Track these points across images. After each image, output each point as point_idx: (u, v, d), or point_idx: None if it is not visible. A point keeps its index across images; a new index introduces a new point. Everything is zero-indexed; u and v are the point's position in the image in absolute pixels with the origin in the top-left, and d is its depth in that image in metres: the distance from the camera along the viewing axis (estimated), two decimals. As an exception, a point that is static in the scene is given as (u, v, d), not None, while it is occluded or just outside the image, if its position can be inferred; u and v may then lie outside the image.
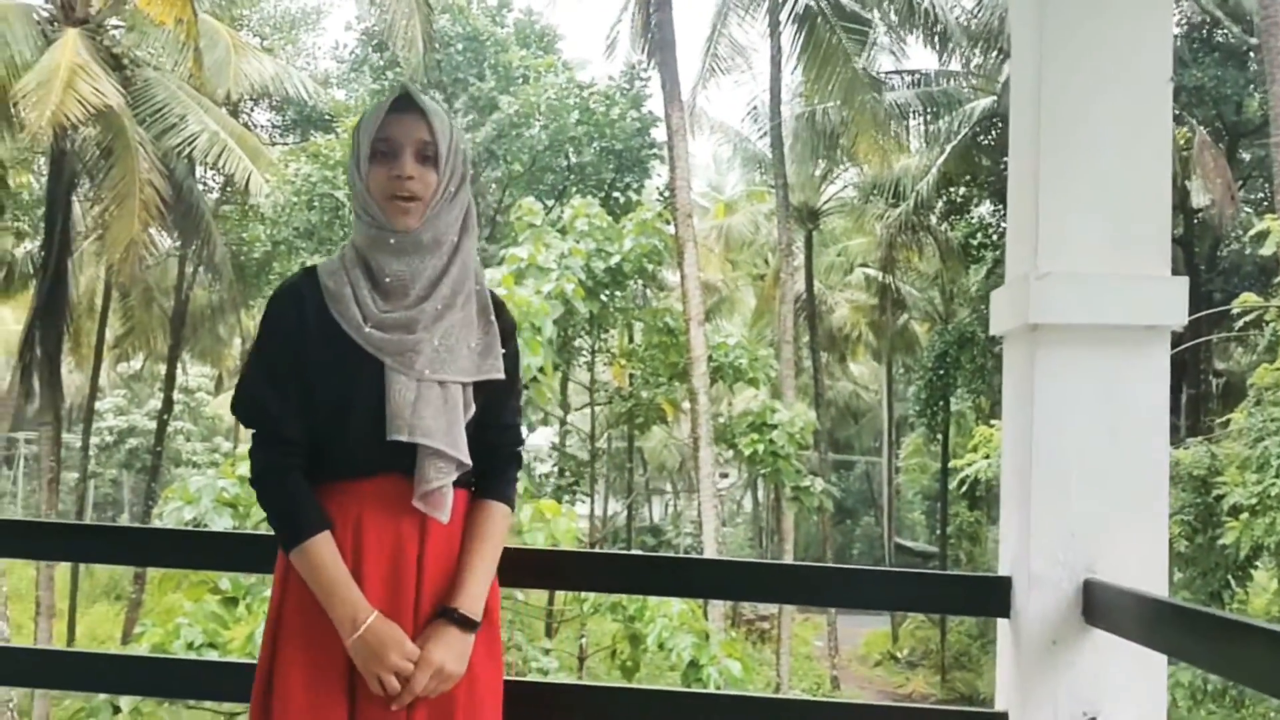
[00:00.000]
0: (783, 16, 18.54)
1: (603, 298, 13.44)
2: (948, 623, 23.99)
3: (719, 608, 14.46)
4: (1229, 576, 10.83)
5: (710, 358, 14.66)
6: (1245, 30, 16.96)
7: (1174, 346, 1.98)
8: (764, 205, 27.10)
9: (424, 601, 1.78)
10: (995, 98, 19.52)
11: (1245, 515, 9.63)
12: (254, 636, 6.87)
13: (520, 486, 8.80)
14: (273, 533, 1.83)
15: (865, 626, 27.65)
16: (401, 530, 1.79)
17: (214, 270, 18.75)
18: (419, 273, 1.81)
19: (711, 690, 8.05)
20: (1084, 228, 1.95)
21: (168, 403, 22.50)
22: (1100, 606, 1.87)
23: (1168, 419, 1.97)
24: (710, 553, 13.90)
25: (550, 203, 19.20)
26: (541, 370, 9.94)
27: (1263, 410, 10.44)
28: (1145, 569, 1.91)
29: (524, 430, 2.06)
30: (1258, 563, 10.84)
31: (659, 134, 19.90)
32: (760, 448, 14.74)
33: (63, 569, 19.79)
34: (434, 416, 1.77)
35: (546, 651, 11.38)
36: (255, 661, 1.87)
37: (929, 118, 20.81)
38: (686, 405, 15.55)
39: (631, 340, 18.17)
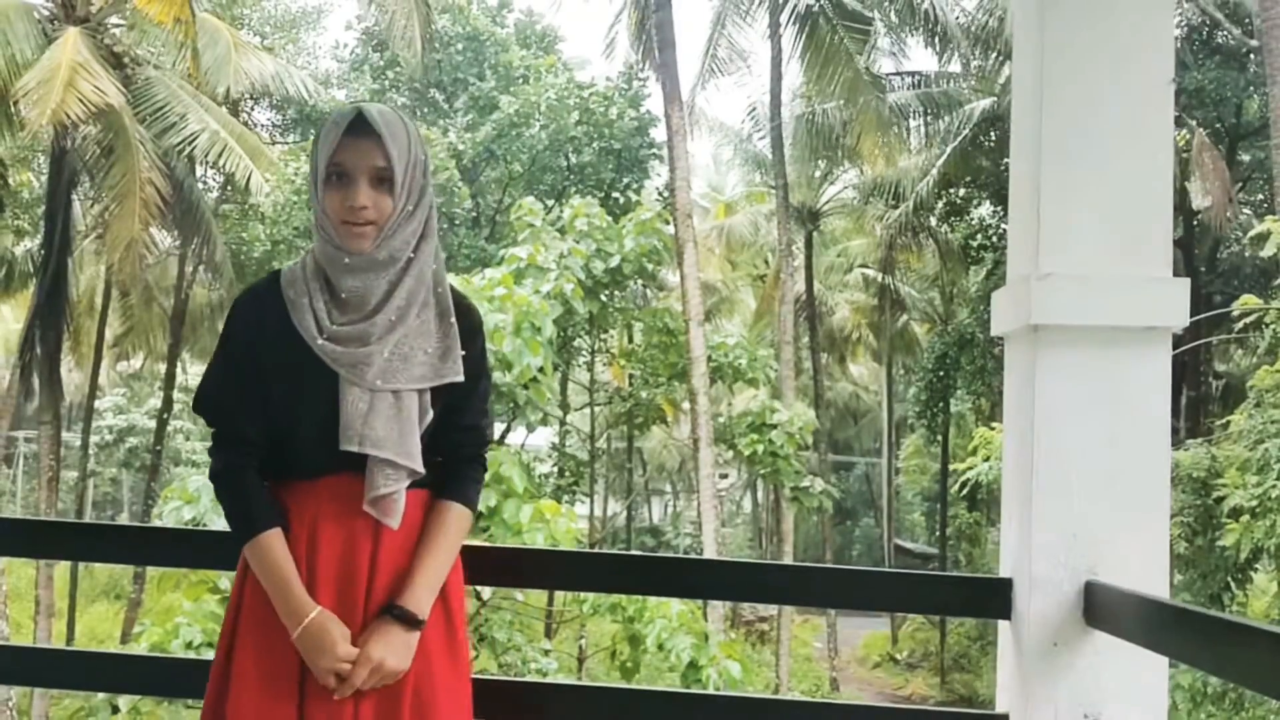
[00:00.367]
0: (783, 17, 18.53)
1: (602, 298, 13.44)
2: (947, 624, 23.99)
3: (718, 609, 14.45)
4: (1229, 579, 10.82)
5: (710, 358, 14.66)
6: (1245, 32, 16.96)
7: (1174, 348, 1.98)
8: (764, 206, 27.10)
9: (375, 600, 1.81)
10: (995, 99, 19.53)
11: (1245, 517, 9.62)
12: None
13: (520, 487, 8.83)
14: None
15: (865, 628, 27.65)
16: (355, 529, 1.82)
17: (214, 269, 18.74)
18: (375, 288, 1.83)
19: (710, 691, 8.05)
20: (1085, 229, 1.95)
21: (167, 402, 22.48)
22: (1101, 608, 1.87)
23: (1169, 421, 1.97)
24: (710, 553, 13.90)
25: (550, 203, 19.20)
26: (541, 370, 9.93)
27: (1263, 412, 10.43)
28: (1146, 571, 1.91)
29: (491, 430, 2.07)
30: (1258, 565, 10.84)
31: (659, 134, 19.91)
32: (760, 448, 14.74)
33: (62, 568, 19.78)
34: (385, 426, 1.80)
35: (546, 652, 11.38)
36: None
37: (929, 119, 20.82)
38: (686, 405, 15.57)
39: (631, 340, 18.17)
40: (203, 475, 8.28)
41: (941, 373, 22.28)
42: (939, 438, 24.86)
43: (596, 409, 17.86)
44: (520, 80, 21.36)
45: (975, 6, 19.49)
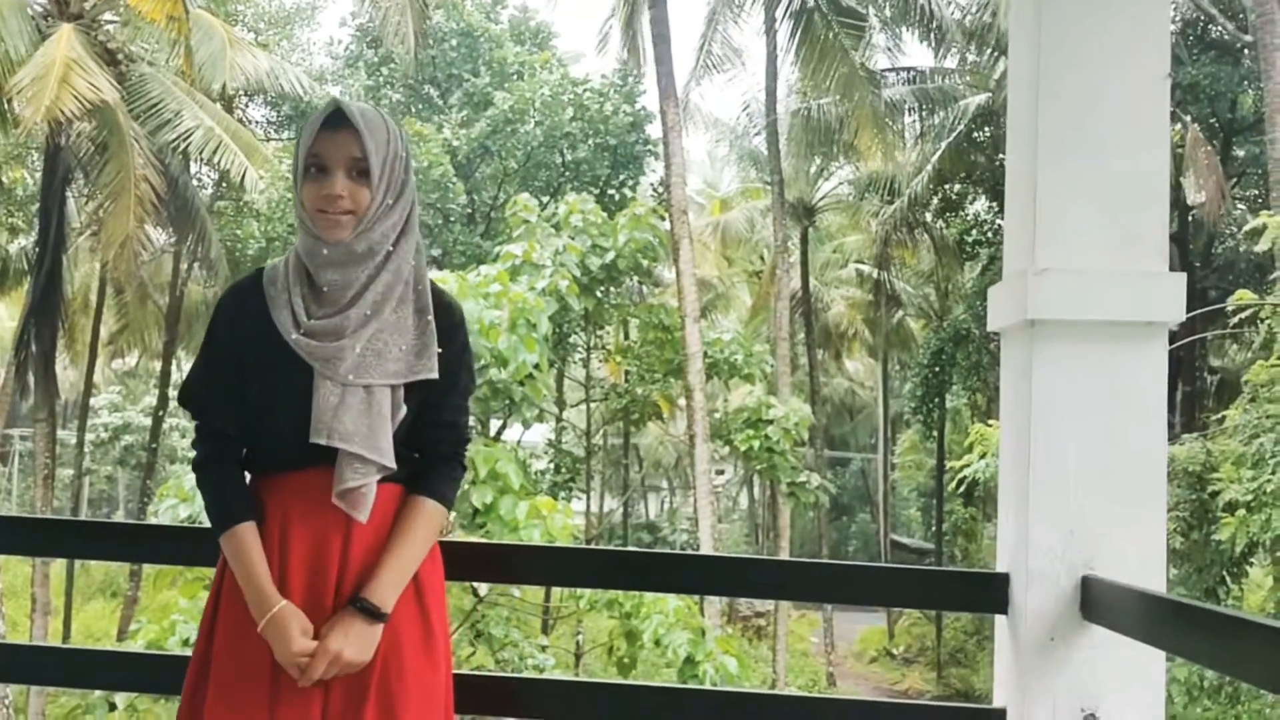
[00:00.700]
0: (778, 12, 18.53)
1: (598, 294, 13.45)
2: (943, 619, 24.04)
3: (715, 604, 14.48)
4: (1224, 573, 10.83)
5: (706, 354, 14.67)
6: (1239, 27, 16.97)
7: (1170, 344, 1.98)
8: (759, 202, 27.11)
9: (344, 593, 1.84)
10: (990, 94, 19.55)
11: (1241, 511, 9.63)
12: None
13: (516, 483, 8.81)
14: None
15: (861, 623, 27.70)
16: (326, 523, 1.85)
17: (209, 266, 18.70)
18: (354, 281, 1.85)
19: (707, 686, 8.06)
20: (1082, 223, 1.95)
21: (163, 399, 22.44)
22: (1098, 603, 1.88)
23: (1166, 415, 1.97)
24: (706, 549, 13.92)
25: (545, 199, 19.19)
26: (537, 367, 9.93)
27: (1258, 407, 10.44)
28: (1143, 565, 1.91)
29: (470, 429, 2.09)
30: (1253, 559, 10.85)
31: (654, 130, 19.90)
32: (756, 444, 14.75)
33: (58, 566, 19.76)
34: (354, 420, 1.82)
35: (543, 648, 11.38)
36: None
37: (924, 114, 20.84)
38: (682, 402, 15.57)
39: (627, 337, 18.18)
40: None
41: (937, 368, 22.31)
42: (935, 433, 24.90)
43: (592, 405, 17.88)
44: (515, 76, 21.33)
45: (970, 1, 19.48)
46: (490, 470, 8.81)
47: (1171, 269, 1.95)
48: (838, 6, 17.81)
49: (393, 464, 1.84)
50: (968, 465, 12.63)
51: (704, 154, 35.29)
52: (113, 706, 7.42)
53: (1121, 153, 1.96)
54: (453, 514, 9.09)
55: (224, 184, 20.99)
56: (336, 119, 1.83)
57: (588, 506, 22.05)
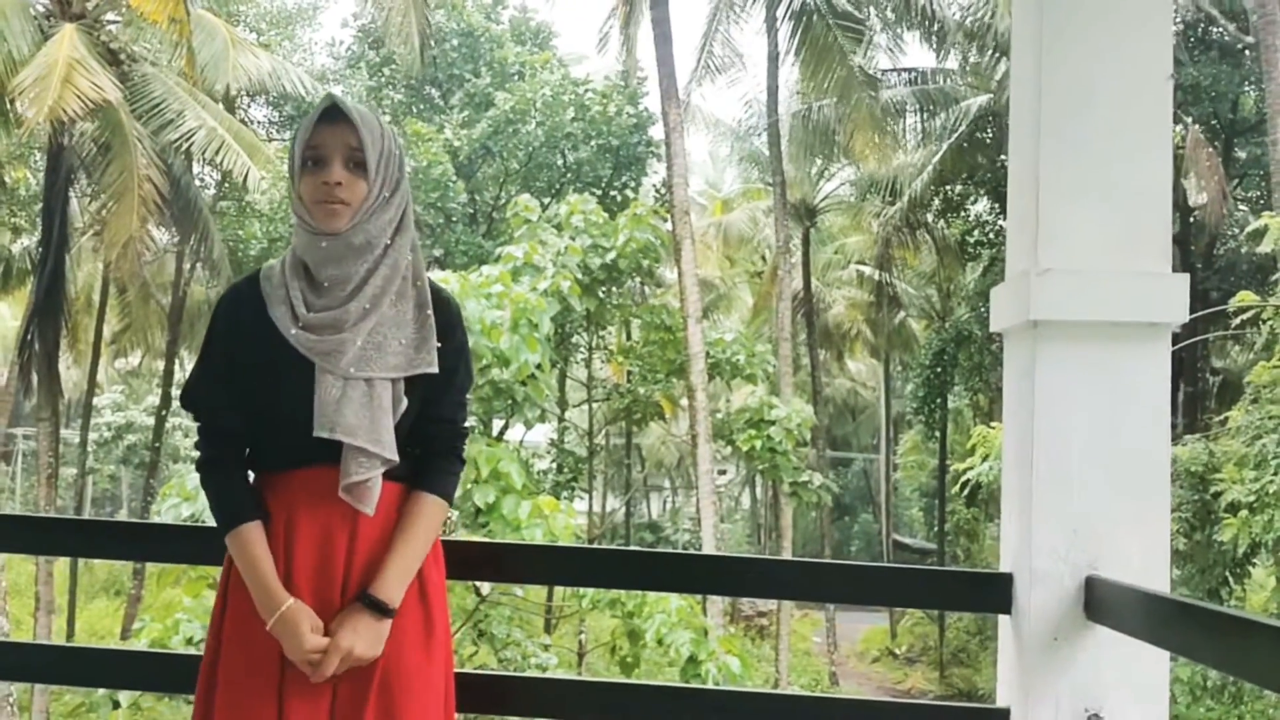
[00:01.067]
0: (779, 13, 18.52)
1: (600, 294, 13.44)
2: (946, 619, 24.02)
3: (718, 604, 14.48)
4: (1227, 574, 10.84)
5: (708, 354, 14.66)
6: (1240, 28, 16.97)
7: (1172, 344, 1.98)
8: (761, 202, 27.11)
9: (351, 588, 1.86)
10: (991, 95, 19.53)
11: (1243, 512, 9.63)
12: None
13: (518, 483, 8.82)
14: None
15: (864, 623, 27.68)
16: (332, 520, 1.86)
17: (211, 266, 18.71)
18: (352, 275, 1.87)
19: (710, 686, 8.06)
20: (1084, 224, 1.95)
21: (165, 399, 22.46)
22: (1102, 603, 1.88)
23: (1169, 416, 1.97)
24: (709, 549, 13.91)
25: (547, 200, 19.18)
26: (539, 367, 9.93)
27: (1260, 408, 10.44)
28: (1147, 565, 1.91)
29: (468, 423, 2.11)
30: (1255, 560, 10.85)
31: (656, 132, 19.89)
32: (758, 444, 14.74)
33: (62, 564, 19.77)
34: (356, 414, 1.83)
35: (546, 647, 11.39)
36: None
37: (925, 115, 20.83)
38: (684, 402, 15.55)
39: (629, 337, 18.16)
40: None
41: (939, 369, 22.30)
42: (937, 434, 24.89)
43: (595, 405, 17.86)
44: (515, 77, 21.33)
45: (971, 2, 19.47)
46: (492, 470, 8.82)
47: (1173, 270, 1.95)
48: (836, 9, 17.81)
49: (395, 457, 1.86)
50: (970, 468, 12.62)
51: (706, 155, 35.27)
52: (116, 704, 7.43)
53: (1124, 153, 1.96)
54: (455, 513, 9.10)
55: (226, 184, 21.00)
56: (332, 114, 1.87)
57: (590, 506, 22.05)
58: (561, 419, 17.86)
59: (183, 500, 7.65)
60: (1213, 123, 18.36)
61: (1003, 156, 19.29)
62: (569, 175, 20.37)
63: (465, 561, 2.08)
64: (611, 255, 12.91)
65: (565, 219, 12.97)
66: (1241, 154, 19.30)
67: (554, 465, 16.99)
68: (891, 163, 21.38)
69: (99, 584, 25.90)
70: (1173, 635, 1.71)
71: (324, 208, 1.85)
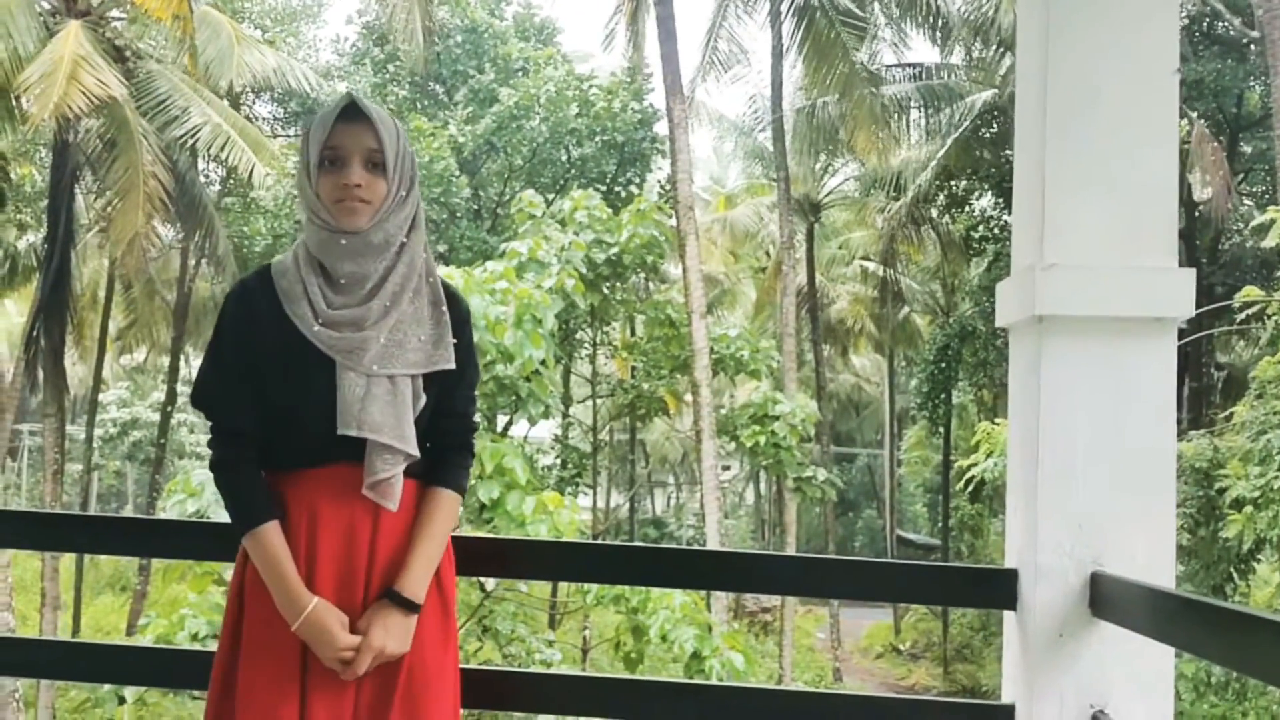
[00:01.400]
0: (783, 8, 18.51)
1: (604, 290, 13.44)
2: (949, 615, 24.02)
3: (721, 600, 14.48)
4: (1231, 570, 10.83)
5: (712, 350, 14.66)
6: (1245, 23, 16.92)
7: (1178, 340, 1.98)
8: (765, 198, 27.09)
9: (374, 585, 1.86)
10: (996, 90, 19.51)
11: (1248, 508, 9.62)
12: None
13: (523, 478, 8.82)
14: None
15: (868, 619, 27.69)
16: (355, 517, 1.86)
17: (216, 263, 18.74)
18: (371, 272, 1.87)
19: (713, 681, 8.07)
20: (1090, 219, 1.95)
21: (171, 395, 22.50)
22: (1107, 599, 1.87)
23: (1174, 411, 1.97)
24: (713, 545, 13.92)
25: (551, 196, 19.18)
26: (543, 363, 9.94)
27: (1265, 404, 10.43)
28: (1152, 561, 1.91)
29: (477, 418, 2.11)
30: (1260, 556, 10.84)
31: (660, 127, 19.88)
32: (762, 440, 14.75)
33: (67, 561, 19.81)
34: (381, 411, 1.84)
35: (550, 643, 11.40)
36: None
37: (930, 111, 20.80)
38: (688, 398, 15.56)
39: (634, 333, 18.16)
40: (206, 469, 8.30)
41: (943, 364, 22.28)
42: (941, 429, 24.88)
43: (599, 401, 17.86)
44: (519, 73, 21.32)
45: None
46: (497, 466, 8.82)
47: (1179, 265, 1.95)
48: (839, 6, 17.79)
49: (417, 453, 1.87)
50: (975, 464, 12.62)
51: (710, 150, 35.33)
52: (122, 700, 7.45)
53: (1130, 148, 1.95)
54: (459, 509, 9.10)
55: (231, 180, 21.02)
56: (351, 112, 1.87)
57: (594, 502, 22.05)
58: (566, 414, 17.87)
59: (188, 496, 7.66)
60: (1218, 117, 18.32)
61: (1008, 151, 19.27)
62: (573, 171, 20.36)
63: (470, 557, 2.08)
64: (615, 250, 12.92)
65: (569, 214, 12.97)
66: (1247, 149, 19.25)
67: (558, 461, 17.00)
68: (893, 159, 21.36)
69: (104, 580, 25.96)
70: (1178, 631, 1.71)
71: (345, 206, 1.85)
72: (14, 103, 14.00)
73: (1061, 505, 1.93)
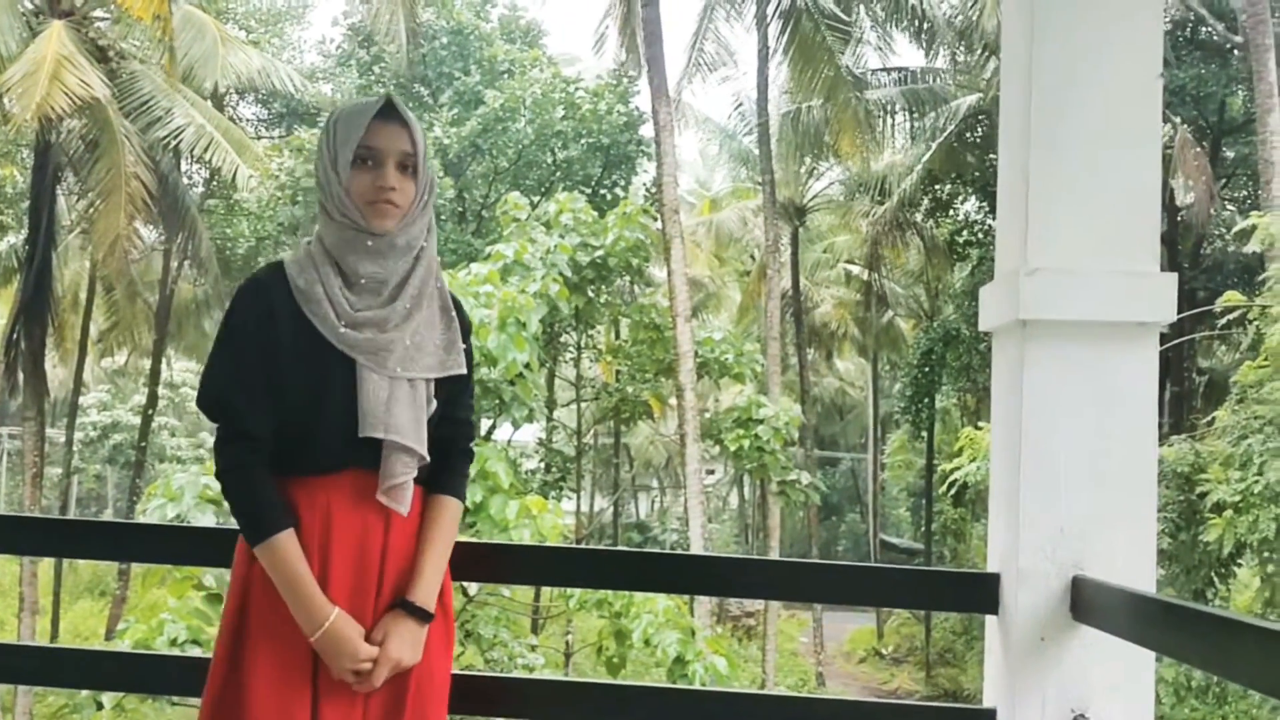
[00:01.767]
0: (769, 11, 18.54)
1: (589, 293, 13.43)
2: (933, 619, 24.08)
3: (705, 604, 14.47)
4: (1212, 574, 10.88)
5: (696, 353, 14.66)
6: (1229, 28, 17.03)
7: (1159, 344, 1.98)
8: (750, 202, 27.13)
9: (385, 592, 1.84)
10: (981, 94, 19.58)
11: (1228, 512, 9.66)
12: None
13: (506, 483, 8.80)
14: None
15: (851, 623, 27.73)
16: (367, 523, 1.84)
17: (199, 265, 18.66)
18: (391, 274, 1.86)
19: (696, 686, 8.06)
20: (1073, 223, 1.95)
21: (152, 398, 22.39)
22: (1089, 603, 1.88)
23: (1156, 416, 1.97)
24: (696, 549, 13.92)
25: (536, 198, 19.17)
26: (527, 366, 9.92)
27: (1246, 408, 10.48)
28: (1133, 566, 1.91)
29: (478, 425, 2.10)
30: (1240, 560, 10.89)
31: (646, 130, 19.90)
32: (746, 443, 14.76)
33: (46, 565, 19.69)
34: (404, 414, 1.82)
35: (533, 648, 11.38)
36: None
37: (914, 115, 20.88)
38: (673, 401, 15.55)
39: (618, 336, 18.15)
40: (187, 472, 8.25)
41: (927, 368, 22.35)
42: (924, 433, 24.95)
43: (583, 405, 17.85)
44: (505, 75, 21.31)
45: (961, 1, 19.52)
46: (480, 469, 8.79)
47: (1161, 270, 1.95)
48: (824, 10, 17.84)
49: (429, 457, 1.86)
50: (958, 468, 12.65)
51: (695, 153, 35.39)
52: (100, 705, 7.39)
53: (1113, 153, 1.96)
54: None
55: (215, 182, 20.95)
56: (388, 111, 1.86)
57: (578, 506, 22.02)
58: (550, 418, 17.83)
59: (168, 500, 7.61)
60: (1201, 123, 18.43)
61: (992, 156, 19.34)
62: (558, 173, 20.36)
63: (453, 562, 2.07)
64: (600, 253, 12.92)
65: (554, 217, 12.96)
66: (1229, 154, 19.37)
67: (542, 465, 16.98)
68: (878, 163, 21.43)
69: (83, 585, 25.78)
70: (1158, 635, 1.71)
71: (378, 208, 1.83)
72: (-4, 103, 13.94)
73: (1043, 509, 1.93)
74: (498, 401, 10.28)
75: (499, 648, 10.55)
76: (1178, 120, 16.50)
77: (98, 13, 15.99)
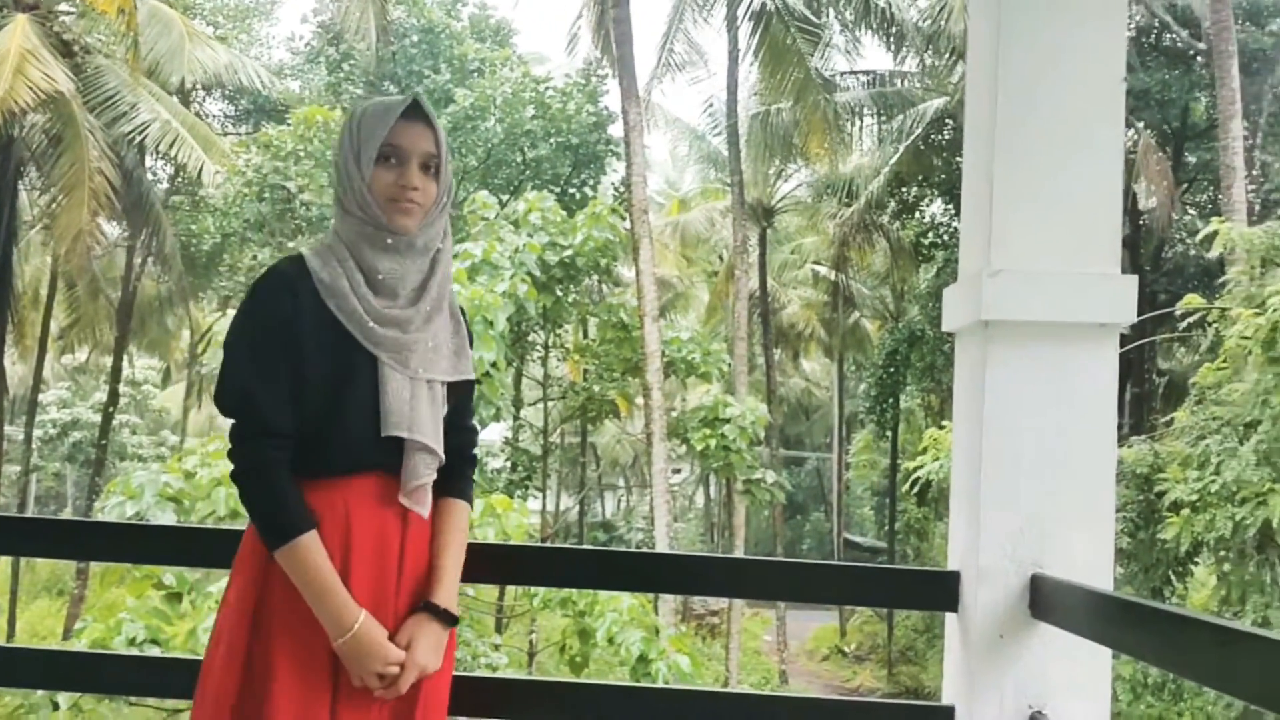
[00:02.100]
0: (739, 13, 18.59)
1: (557, 292, 13.41)
2: (894, 617, 24.22)
3: (669, 602, 14.50)
4: (1170, 572, 10.99)
5: (664, 353, 14.67)
6: (1193, 35, 17.24)
7: (1120, 346, 2.00)
8: (719, 202, 27.19)
9: (403, 595, 1.83)
10: (948, 98, 19.72)
11: (1186, 512, 9.77)
12: (197, 632, 6.78)
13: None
14: (217, 528, 1.82)
15: (814, 621, 27.86)
16: (386, 526, 1.82)
17: (163, 261, 18.48)
18: (407, 273, 1.84)
19: (659, 685, 8.07)
20: (1036, 226, 1.97)
21: (113, 395, 22.11)
22: (1047, 601, 1.89)
23: (1115, 417, 1.99)
24: (662, 547, 13.93)
25: (505, 197, 19.10)
26: (494, 365, 9.89)
27: (1204, 409, 10.61)
28: (1091, 564, 1.93)
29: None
30: (1198, 559, 11.01)
31: (616, 130, 19.88)
32: (713, 443, 14.78)
33: (2, 564, 19.45)
34: (425, 414, 1.82)
35: (496, 647, 11.34)
36: (199, 658, 1.84)
37: (882, 118, 20.99)
38: (640, 400, 15.56)
39: (586, 335, 18.12)
40: (146, 470, 8.17)
41: (892, 369, 22.48)
42: (889, 433, 25.08)
43: (550, 403, 17.81)
44: (475, 73, 21.23)
45: (930, 5, 19.64)
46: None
47: (1122, 272, 1.97)
48: (794, 12, 17.90)
49: (444, 458, 1.86)
50: (921, 466, 12.73)
51: (665, 154, 35.41)
52: (56, 706, 7.30)
53: (1076, 156, 1.98)
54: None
55: (180, 178, 20.73)
56: (414, 111, 1.85)
57: (544, 505, 21.99)
58: (517, 417, 17.78)
59: (127, 498, 7.52)
60: (1164, 128, 18.64)
61: (958, 159, 19.48)
62: (528, 172, 20.29)
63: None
64: (569, 253, 12.90)
65: (523, 216, 12.93)
66: (1191, 159, 19.60)
67: (508, 464, 16.92)
68: (845, 165, 21.53)
69: (41, 583, 25.48)
70: (1115, 632, 1.73)
71: (400, 207, 1.82)
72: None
73: (1004, 508, 1.94)
74: (464, 400, 10.22)
75: (462, 647, 10.51)
76: (1141, 125, 16.69)
77: (63, 6, 15.81)
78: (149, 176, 18.86)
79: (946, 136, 20.25)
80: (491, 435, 17.35)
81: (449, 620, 1.83)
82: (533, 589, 9.48)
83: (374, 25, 18.48)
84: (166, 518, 7.25)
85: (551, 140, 19.86)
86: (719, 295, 27.11)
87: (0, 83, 12.41)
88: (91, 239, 14.68)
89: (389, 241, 1.82)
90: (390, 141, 1.82)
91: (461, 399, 1.94)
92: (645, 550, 16.74)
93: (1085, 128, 1.98)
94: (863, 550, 30.94)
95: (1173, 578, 11.04)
